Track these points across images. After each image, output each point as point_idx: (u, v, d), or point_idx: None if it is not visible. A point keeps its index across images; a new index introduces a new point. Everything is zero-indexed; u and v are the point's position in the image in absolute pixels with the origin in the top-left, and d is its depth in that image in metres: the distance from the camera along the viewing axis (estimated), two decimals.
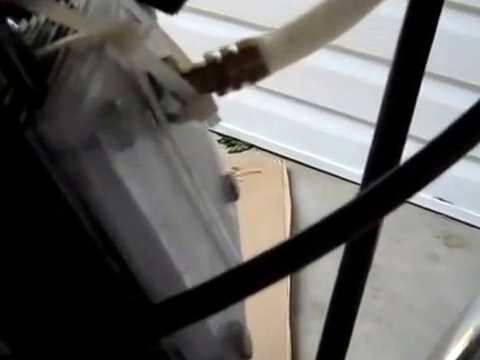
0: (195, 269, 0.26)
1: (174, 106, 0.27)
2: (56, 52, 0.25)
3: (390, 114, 0.33)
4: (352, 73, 1.32)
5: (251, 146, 1.55)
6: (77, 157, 0.22)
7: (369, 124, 1.33)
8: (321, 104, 1.39)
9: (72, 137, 0.22)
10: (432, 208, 1.39)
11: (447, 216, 1.36)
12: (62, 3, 0.26)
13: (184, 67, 0.28)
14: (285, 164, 1.47)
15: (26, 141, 0.22)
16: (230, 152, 1.56)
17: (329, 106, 1.40)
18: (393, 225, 1.34)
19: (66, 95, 0.23)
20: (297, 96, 1.42)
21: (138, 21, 0.27)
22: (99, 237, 0.24)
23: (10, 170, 0.22)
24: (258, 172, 1.50)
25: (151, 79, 0.27)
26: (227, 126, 1.50)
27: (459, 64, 1.12)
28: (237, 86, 0.27)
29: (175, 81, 0.27)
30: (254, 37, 0.27)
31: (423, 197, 1.39)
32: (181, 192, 0.28)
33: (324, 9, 0.26)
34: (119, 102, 0.23)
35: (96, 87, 0.23)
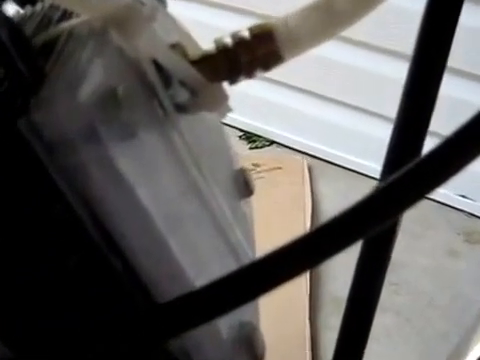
0: (204, 268, 0.24)
1: (183, 95, 0.25)
2: (57, 37, 0.23)
3: (410, 109, 0.31)
4: (375, 69, 1.29)
5: (272, 142, 1.53)
6: (75, 149, 0.20)
7: (390, 119, 1.30)
8: (342, 100, 1.37)
9: (69, 127, 0.20)
10: (454, 205, 1.36)
11: (469, 213, 1.34)
12: None
13: (193, 54, 0.26)
14: (306, 160, 1.45)
15: (19, 131, 0.20)
16: (251, 148, 1.54)
17: (350, 102, 1.37)
18: (414, 221, 1.31)
19: (64, 81, 0.20)
20: (319, 92, 1.39)
21: (142, 3, 0.24)
22: (100, 234, 0.22)
23: (4, 164, 0.20)
24: (279, 168, 1.47)
25: (158, 66, 0.25)
26: (248, 122, 1.49)
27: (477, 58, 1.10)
28: (249, 74, 0.25)
29: (184, 69, 0.24)
30: (268, 21, 0.25)
31: (444, 194, 1.36)
32: (190, 188, 0.26)
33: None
34: (121, 90, 0.21)
35: (96, 73, 0.21)
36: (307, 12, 0.24)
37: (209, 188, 0.27)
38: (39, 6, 0.26)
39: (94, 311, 0.23)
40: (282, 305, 1.01)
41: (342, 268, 1.20)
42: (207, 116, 0.30)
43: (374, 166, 1.31)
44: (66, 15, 0.25)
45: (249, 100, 1.42)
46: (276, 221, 1.27)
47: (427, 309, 1.15)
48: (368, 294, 0.35)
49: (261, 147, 1.53)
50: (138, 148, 0.22)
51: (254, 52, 0.25)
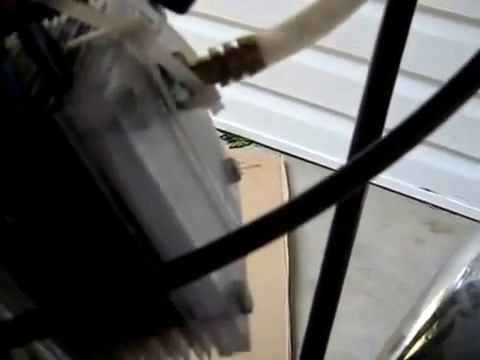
0: (201, 235, 0.28)
1: (183, 95, 0.29)
2: (79, 47, 0.27)
3: (369, 109, 0.35)
4: (342, 74, 1.34)
5: (251, 142, 1.56)
6: (100, 137, 0.24)
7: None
8: (315, 103, 1.41)
9: (96, 120, 0.24)
10: (419, 198, 1.41)
11: (433, 205, 1.38)
12: (82, 4, 0.27)
13: (191, 60, 0.30)
14: (283, 158, 1.49)
15: (55, 123, 0.24)
16: (231, 147, 1.57)
17: (322, 105, 1.42)
18: (383, 213, 1.36)
19: (90, 83, 0.24)
20: (293, 96, 1.44)
21: (151, 20, 0.28)
22: (119, 206, 0.26)
23: (42, 150, 0.24)
24: (258, 166, 1.51)
25: (162, 71, 0.29)
26: (229, 123, 1.52)
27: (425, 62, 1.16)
28: (237, 77, 0.29)
29: (183, 73, 0.28)
30: (253, 34, 0.29)
31: (410, 188, 1.41)
32: (189, 170, 0.30)
33: (312, 12, 0.27)
34: (136, 89, 0.25)
35: (116, 77, 0.25)
36: (286, 27, 0.28)
37: (204, 171, 0.31)
38: (55, 21, 0.30)
39: (112, 269, 0.27)
40: (263, 288, 1.04)
41: (319, 254, 1.24)
42: (201, 113, 0.34)
43: (343, 162, 1.36)
44: (82, 30, 0.28)
45: (230, 103, 1.46)
46: (255, 214, 1.31)
47: (397, 292, 1.20)
48: (336, 275, 0.39)
49: (241, 146, 1.57)
50: (149, 136, 0.26)
51: (242, 59, 0.29)
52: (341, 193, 0.24)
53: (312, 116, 1.43)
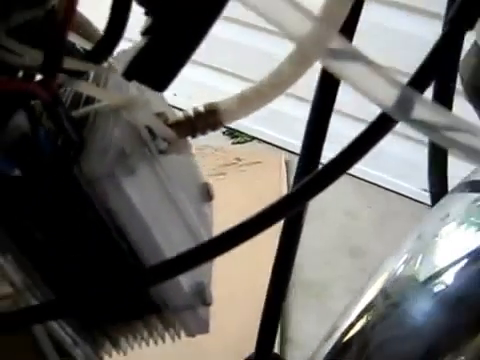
0: (175, 247, 0.43)
1: (163, 145, 0.44)
2: (88, 114, 0.42)
3: (308, 147, 0.50)
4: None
5: (253, 138, 1.71)
6: (101, 182, 0.39)
7: (355, 119, 1.49)
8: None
9: (100, 170, 0.39)
10: (418, 199, 1.55)
11: (430, 205, 1.52)
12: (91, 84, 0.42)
13: (171, 119, 0.45)
14: (284, 155, 1.64)
15: (73, 173, 0.39)
16: (233, 143, 1.72)
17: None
18: (382, 214, 1.51)
19: (98, 145, 0.39)
20: (296, 93, 1.57)
21: (142, 91, 0.43)
22: (115, 228, 0.41)
23: (64, 190, 0.39)
24: (259, 162, 1.66)
25: (149, 129, 0.44)
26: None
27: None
28: (203, 133, 0.44)
29: (163, 130, 0.43)
30: (214, 102, 0.44)
31: (410, 188, 1.55)
32: (167, 199, 0.45)
33: (264, 84, 0.42)
34: (128, 149, 0.40)
35: (116, 138, 0.40)
36: (240, 96, 0.43)
37: (180, 198, 0.47)
38: (68, 91, 0.45)
39: (108, 270, 0.42)
40: (256, 285, 1.19)
41: (311, 255, 1.39)
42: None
43: None
44: (89, 100, 0.43)
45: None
46: (256, 209, 1.47)
47: None
48: (282, 283, 0.55)
49: (243, 142, 1.71)
50: (135, 177, 0.41)
51: (206, 120, 0.44)
52: (286, 213, 0.39)
53: None
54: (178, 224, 0.46)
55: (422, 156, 1.51)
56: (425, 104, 0.33)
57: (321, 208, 1.45)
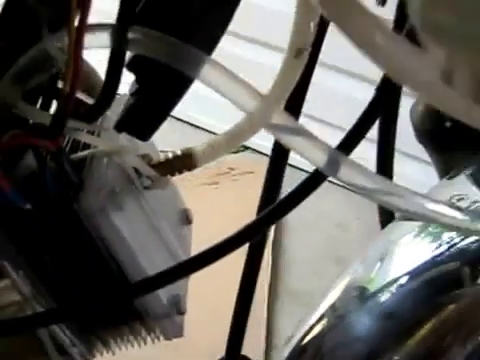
0: (156, 267, 0.56)
1: (147, 182, 0.57)
2: (86, 157, 0.54)
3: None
4: (345, 92, 1.61)
5: (246, 148, 1.83)
6: (96, 216, 0.51)
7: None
8: (309, 113, 1.68)
9: (95, 207, 0.51)
10: None
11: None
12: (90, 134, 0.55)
13: (154, 160, 0.57)
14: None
15: (73, 208, 0.51)
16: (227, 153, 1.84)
17: (318, 116, 1.68)
18: (371, 226, 1.63)
19: (94, 184, 0.52)
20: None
21: (131, 140, 0.56)
22: (107, 252, 0.53)
23: (65, 221, 0.52)
24: (251, 172, 1.78)
25: (135, 169, 0.56)
26: (226, 129, 1.79)
27: None
28: (180, 173, 0.57)
29: (147, 170, 0.56)
30: (190, 147, 0.56)
31: None
32: (151, 227, 0.58)
33: (224, 137, 0.54)
34: (118, 188, 0.52)
35: (109, 179, 0.52)
36: (209, 144, 0.55)
37: (162, 226, 0.59)
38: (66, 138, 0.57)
39: (101, 285, 0.55)
40: None
41: (301, 265, 1.52)
42: None
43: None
44: (86, 145, 0.55)
45: (227, 110, 1.73)
46: (248, 218, 1.59)
47: None
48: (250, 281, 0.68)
49: (236, 152, 1.84)
50: (124, 212, 0.53)
51: (183, 162, 0.56)
52: (245, 242, 0.51)
53: (307, 126, 1.70)
54: (160, 248, 0.59)
55: (411, 170, 1.63)
56: (349, 165, 0.45)
57: (310, 219, 1.57)
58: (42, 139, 0.49)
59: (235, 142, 0.55)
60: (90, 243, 0.53)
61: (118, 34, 0.45)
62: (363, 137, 0.51)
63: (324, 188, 1.59)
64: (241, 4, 0.52)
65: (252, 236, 0.57)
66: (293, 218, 1.63)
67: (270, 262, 1.49)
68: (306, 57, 0.50)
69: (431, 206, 0.46)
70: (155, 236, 0.58)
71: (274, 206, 0.54)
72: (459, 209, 0.48)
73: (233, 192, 1.73)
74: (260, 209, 0.67)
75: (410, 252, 0.64)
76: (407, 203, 0.46)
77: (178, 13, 0.47)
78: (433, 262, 0.62)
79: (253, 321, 1.47)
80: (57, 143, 0.50)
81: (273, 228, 1.59)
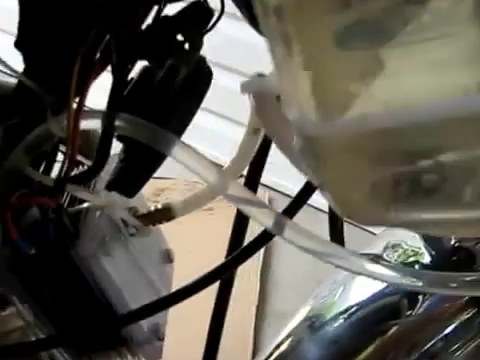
0: (140, 301, 0.67)
1: (133, 230, 0.68)
2: (82, 210, 0.66)
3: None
4: None
5: (240, 176, 1.94)
6: (89, 260, 0.63)
7: None
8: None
9: (88, 253, 0.63)
10: None
11: None
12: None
13: (140, 211, 0.68)
14: (268, 193, 1.87)
15: (70, 254, 0.62)
16: None
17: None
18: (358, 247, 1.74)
19: (89, 234, 0.63)
20: None
21: (121, 197, 0.67)
22: (98, 289, 0.64)
23: (63, 264, 0.63)
24: None
25: (123, 220, 0.67)
26: (220, 157, 1.91)
27: None
28: (161, 223, 0.68)
29: (133, 221, 0.67)
30: (169, 202, 0.68)
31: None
32: (136, 267, 0.69)
33: (194, 198, 0.66)
34: (107, 237, 0.64)
35: (100, 229, 0.64)
36: (185, 200, 0.67)
37: (145, 265, 0.70)
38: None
39: (93, 316, 0.66)
40: (235, 314, 1.43)
41: (289, 288, 1.63)
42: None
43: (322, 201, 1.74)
44: (81, 200, 0.67)
45: (220, 138, 1.85)
46: (241, 243, 1.71)
47: None
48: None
49: None
50: (113, 257, 0.65)
51: (162, 214, 0.67)
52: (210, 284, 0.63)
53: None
54: (143, 285, 0.70)
55: None
56: (292, 227, 0.57)
57: None
58: (45, 199, 0.61)
59: (202, 203, 0.67)
60: (84, 282, 0.64)
61: (107, 120, 0.56)
62: (305, 203, 0.63)
63: (312, 213, 1.69)
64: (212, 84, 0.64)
65: (218, 277, 0.68)
66: (281, 243, 1.73)
67: (258, 285, 1.60)
68: (262, 135, 0.62)
69: (368, 266, 0.56)
70: (139, 275, 0.70)
71: (236, 253, 0.65)
72: (391, 266, 0.57)
73: (228, 218, 1.84)
74: (229, 252, 0.78)
75: (362, 285, 0.75)
76: (347, 263, 0.56)
77: (156, 103, 0.58)
78: (379, 295, 0.74)
79: (241, 339, 1.59)
80: (57, 201, 0.61)
81: (262, 253, 1.70)
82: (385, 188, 0.36)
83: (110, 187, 0.63)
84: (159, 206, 0.68)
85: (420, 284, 0.50)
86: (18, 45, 0.59)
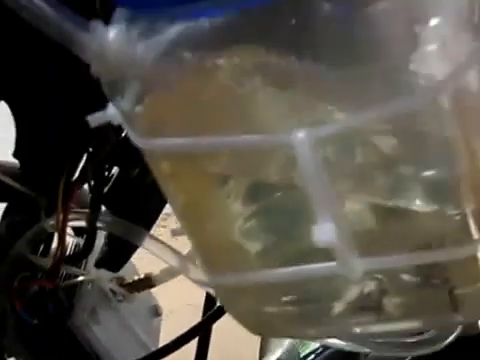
0: (130, 357, 0.80)
1: (121, 297, 0.81)
2: (76, 283, 0.78)
3: None
4: None
5: None
6: (82, 329, 0.76)
7: None
8: None
9: (81, 323, 0.75)
10: None
11: None
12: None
13: (126, 280, 0.81)
14: None
15: (65, 323, 0.75)
16: None
17: None
18: None
19: (81, 307, 0.76)
20: None
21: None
22: (91, 351, 0.77)
23: (60, 333, 0.76)
24: None
25: (111, 289, 0.80)
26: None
27: None
28: (143, 290, 0.81)
29: (120, 290, 0.80)
30: (149, 272, 0.80)
31: None
32: (125, 328, 0.82)
33: (167, 271, 0.78)
34: (98, 307, 0.77)
35: (91, 301, 0.77)
36: (161, 272, 0.79)
37: (135, 328, 0.83)
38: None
39: None
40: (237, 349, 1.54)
41: None
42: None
43: None
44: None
45: None
46: None
47: None
48: None
49: None
50: (103, 325, 0.78)
51: (144, 283, 0.80)
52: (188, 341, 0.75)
53: None
54: (131, 342, 0.83)
55: None
56: None
57: None
58: (43, 280, 0.74)
59: (176, 274, 0.79)
60: (79, 346, 0.77)
61: (91, 220, 0.69)
62: None
63: None
64: None
65: (196, 334, 0.80)
66: None
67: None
68: None
69: None
70: (128, 334, 0.83)
71: (208, 314, 0.77)
72: None
73: None
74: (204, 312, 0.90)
75: None
76: None
77: (131, 203, 0.71)
78: None
79: None
80: (54, 282, 0.74)
81: None
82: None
83: (99, 265, 0.76)
84: (142, 276, 0.81)
85: None
86: (16, 155, 0.72)
